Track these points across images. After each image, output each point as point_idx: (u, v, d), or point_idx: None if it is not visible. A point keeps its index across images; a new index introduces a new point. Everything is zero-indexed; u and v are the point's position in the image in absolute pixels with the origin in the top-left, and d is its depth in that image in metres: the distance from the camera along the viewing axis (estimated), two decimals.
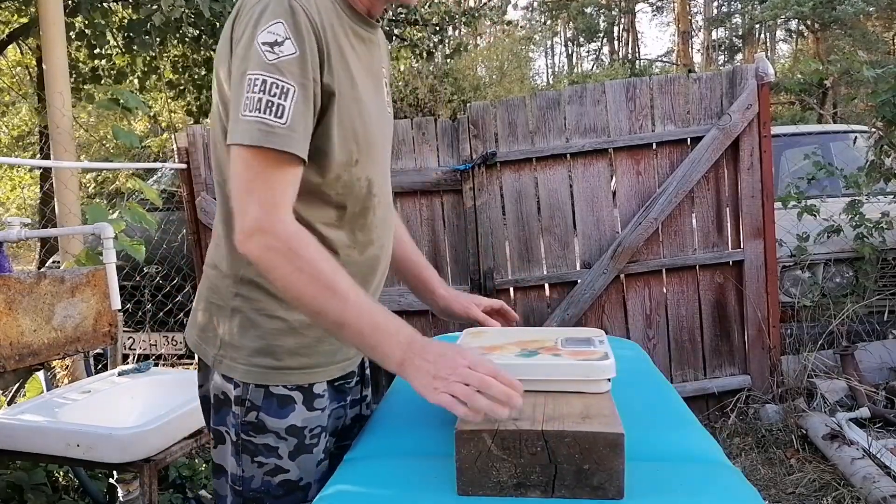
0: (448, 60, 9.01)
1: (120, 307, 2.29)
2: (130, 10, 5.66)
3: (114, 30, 5.57)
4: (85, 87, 5.96)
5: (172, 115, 7.05)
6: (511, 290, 3.33)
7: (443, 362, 0.90)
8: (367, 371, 1.33)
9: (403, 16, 6.76)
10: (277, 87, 0.93)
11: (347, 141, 1.03)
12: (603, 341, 1.09)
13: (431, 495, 0.86)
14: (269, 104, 0.93)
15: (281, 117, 0.93)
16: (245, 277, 1.07)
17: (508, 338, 1.14)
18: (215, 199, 1.28)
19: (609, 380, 0.97)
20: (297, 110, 0.94)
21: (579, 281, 3.27)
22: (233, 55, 0.99)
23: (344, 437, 1.24)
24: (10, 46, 7.55)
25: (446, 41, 7.67)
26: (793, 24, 18.34)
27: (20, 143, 10.44)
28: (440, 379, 0.89)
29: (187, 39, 5.47)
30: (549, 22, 25.24)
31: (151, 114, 6.80)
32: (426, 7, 6.85)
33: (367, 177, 1.09)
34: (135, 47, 5.24)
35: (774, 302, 3.23)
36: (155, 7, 4.37)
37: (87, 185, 8.82)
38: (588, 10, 23.06)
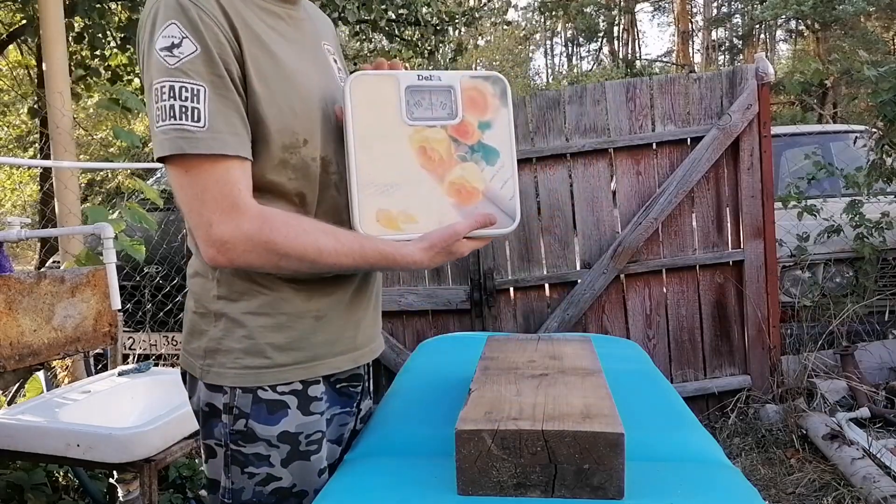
0: (449, 62, 9.02)
1: (120, 307, 2.29)
2: (129, 11, 5.66)
3: (111, 29, 5.57)
4: (82, 84, 5.96)
5: None
6: (511, 290, 3.33)
7: (445, 248, 1.02)
8: (370, 384, 1.26)
9: (404, 16, 6.76)
10: (187, 90, 0.90)
11: (287, 122, 0.99)
12: (440, 77, 1.06)
13: (431, 495, 0.86)
14: (183, 109, 0.90)
15: (198, 121, 0.90)
16: (223, 278, 1.03)
17: (434, 197, 1.05)
18: None
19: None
20: (213, 109, 0.91)
21: (579, 281, 3.27)
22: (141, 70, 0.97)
23: (346, 449, 1.17)
24: (11, 46, 7.55)
25: (447, 42, 7.67)
26: (793, 24, 18.34)
27: (20, 144, 10.44)
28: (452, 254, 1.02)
29: None
30: (548, 22, 25.23)
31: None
32: (426, 8, 6.84)
33: (322, 156, 1.04)
34: (129, 46, 5.24)
35: (774, 302, 3.23)
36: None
37: (88, 180, 8.80)
38: (588, 10, 23.05)
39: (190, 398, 1.10)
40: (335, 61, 1.16)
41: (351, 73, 1.05)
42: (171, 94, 0.90)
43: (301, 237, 0.95)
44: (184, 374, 1.11)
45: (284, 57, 1.01)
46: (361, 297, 1.13)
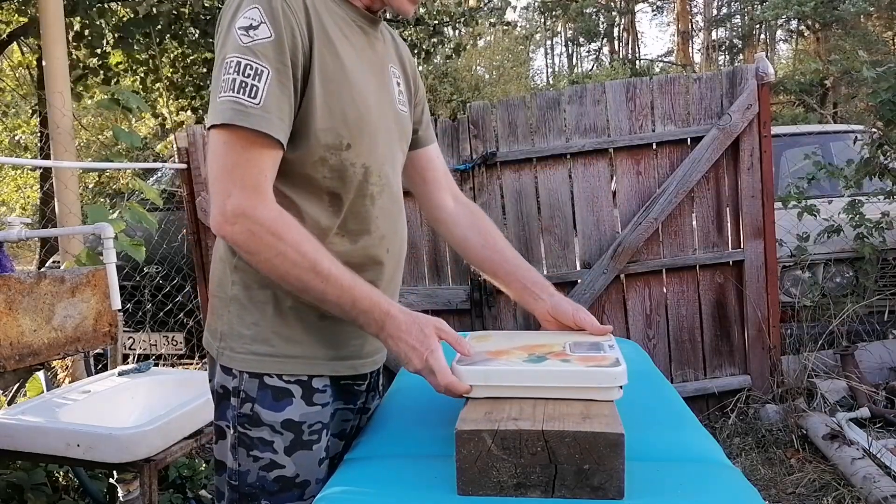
0: (447, 60, 9.02)
1: (120, 307, 2.29)
2: (128, 10, 5.66)
3: (108, 29, 5.57)
4: (84, 83, 5.95)
5: (180, 114, 7.02)
6: None
7: (419, 324, 0.99)
8: (380, 382, 1.29)
9: (401, 17, 6.76)
10: (251, 69, 0.95)
11: (335, 124, 1.03)
12: (613, 346, 1.04)
13: (431, 495, 0.86)
14: (243, 84, 0.95)
15: (254, 97, 0.95)
16: (241, 265, 1.07)
17: (515, 342, 1.09)
18: None
19: (621, 387, 0.92)
20: (272, 92, 0.96)
21: (579, 281, 3.27)
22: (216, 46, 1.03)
23: (350, 444, 1.18)
24: (12, 46, 7.55)
25: (445, 42, 7.66)
26: (793, 24, 18.34)
27: (21, 143, 10.44)
28: (416, 351, 0.98)
29: (186, 40, 5.47)
30: (548, 22, 25.23)
31: (152, 113, 6.79)
32: (423, 8, 6.83)
33: (364, 164, 1.07)
34: (121, 46, 5.25)
35: (774, 302, 3.23)
36: (156, 2, 4.37)
37: (94, 181, 8.78)
38: (588, 11, 23.05)
39: (210, 380, 1.14)
40: (398, 84, 1.19)
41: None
42: (237, 70, 0.95)
43: (305, 245, 0.97)
44: (208, 355, 1.16)
45: (350, 65, 1.05)
46: None
